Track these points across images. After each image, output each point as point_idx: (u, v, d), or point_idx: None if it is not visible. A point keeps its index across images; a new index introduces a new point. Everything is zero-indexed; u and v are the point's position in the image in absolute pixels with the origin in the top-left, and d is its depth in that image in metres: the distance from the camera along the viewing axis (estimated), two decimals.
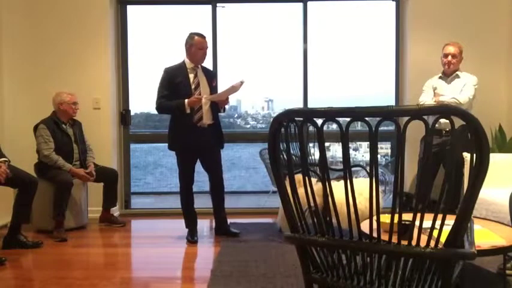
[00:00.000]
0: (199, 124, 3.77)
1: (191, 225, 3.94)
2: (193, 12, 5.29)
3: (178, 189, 3.95)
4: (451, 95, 4.00)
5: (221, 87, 4.32)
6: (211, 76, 4.00)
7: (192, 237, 3.87)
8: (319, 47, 5.08)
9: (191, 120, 3.76)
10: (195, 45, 3.82)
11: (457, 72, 4.14)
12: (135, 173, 6.09)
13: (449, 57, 4.09)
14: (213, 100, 3.81)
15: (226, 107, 4.00)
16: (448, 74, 4.16)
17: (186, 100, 3.72)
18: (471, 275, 2.87)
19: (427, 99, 4.14)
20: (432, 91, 4.17)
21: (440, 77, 4.20)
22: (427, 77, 4.30)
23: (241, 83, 3.74)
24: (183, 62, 3.87)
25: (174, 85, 3.79)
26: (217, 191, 4.00)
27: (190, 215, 3.95)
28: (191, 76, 3.83)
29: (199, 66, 3.91)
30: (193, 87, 3.81)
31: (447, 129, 4.01)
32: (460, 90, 4.04)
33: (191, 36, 3.84)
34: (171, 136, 3.90)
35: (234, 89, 3.78)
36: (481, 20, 4.67)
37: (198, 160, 3.92)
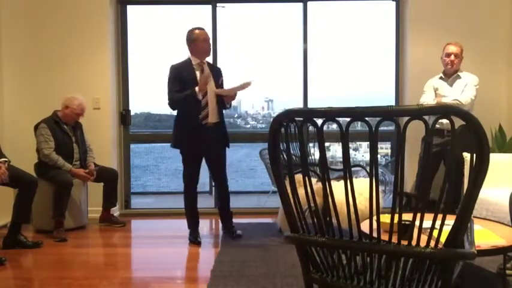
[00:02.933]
0: (204, 122, 3.74)
1: (193, 226, 3.92)
2: (193, 12, 5.29)
3: (183, 188, 3.91)
4: (452, 96, 3.98)
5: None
6: (217, 73, 3.92)
7: (195, 238, 3.84)
8: (319, 47, 5.08)
9: (196, 119, 3.72)
10: (199, 39, 3.77)
11: (458, 73, 4.13)
12: (135, 173, 6.08)
13: (452, 57, 4.07)
14: (222, 94, 3.76)
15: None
16: (449, 74, 4.14)
17: (197, 87, 3.66)
18: (471, 275, 2.87)
19: (428, 100, 4.12)
20: (433, 92, 4.15)
21: (441, 78, 4.18)
22: (427, 77, 4.29)
23: (249, 83, 3.68)
24: (189, 59, 3.83)
25: (182, 81, 3.75)
26: (222, 190, 3.98)
27: (193, 216, 3.92)
28: (198, 73, 3.78)
29: (205, 62, 3.86)
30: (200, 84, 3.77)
31: (449, 130, 3.99)
32: (461, 91, 4.03)
33: (191, 31, 3.80)
34: (175, 134, 3.85)
35: (245, 85, 3.72)
36: (481, 20, 4.66)
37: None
